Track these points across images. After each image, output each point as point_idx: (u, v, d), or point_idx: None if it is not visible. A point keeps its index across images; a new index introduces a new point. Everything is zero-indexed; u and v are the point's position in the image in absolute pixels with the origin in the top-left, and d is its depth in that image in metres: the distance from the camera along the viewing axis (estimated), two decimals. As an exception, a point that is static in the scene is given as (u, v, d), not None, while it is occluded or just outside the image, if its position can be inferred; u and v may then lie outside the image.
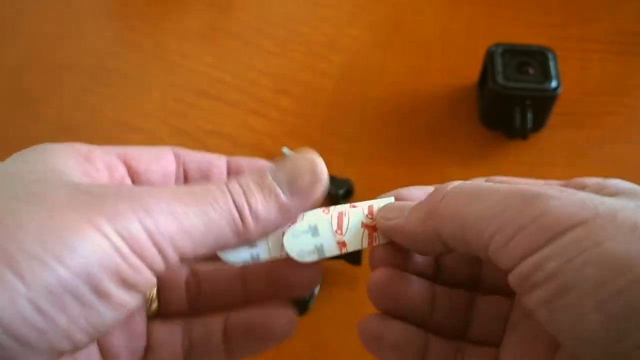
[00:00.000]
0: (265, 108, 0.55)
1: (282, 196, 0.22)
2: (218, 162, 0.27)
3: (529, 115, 0.49)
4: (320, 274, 0.26)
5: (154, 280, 0.20)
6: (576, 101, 0.54)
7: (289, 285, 0.26)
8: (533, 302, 0.19)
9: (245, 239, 0.22)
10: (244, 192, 0.22)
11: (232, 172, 0.27)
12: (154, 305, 0.26)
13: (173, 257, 0.20)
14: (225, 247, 0.22)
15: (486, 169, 0.50)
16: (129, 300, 0.19)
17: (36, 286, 0.17)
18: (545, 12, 0.62)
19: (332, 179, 0.48)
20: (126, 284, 0.19)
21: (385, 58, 0.59)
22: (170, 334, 0.26)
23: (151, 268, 0.19)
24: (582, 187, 0.22)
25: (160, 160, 0.25)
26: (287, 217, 0.23)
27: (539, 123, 0.51)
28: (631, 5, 0.62)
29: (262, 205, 0.22)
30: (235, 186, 0.22)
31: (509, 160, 0.51)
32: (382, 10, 0.64)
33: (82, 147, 0.23)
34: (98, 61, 0.60)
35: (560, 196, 0.19)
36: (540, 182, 0.25)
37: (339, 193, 0.47)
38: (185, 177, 0.26)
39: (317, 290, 0.43)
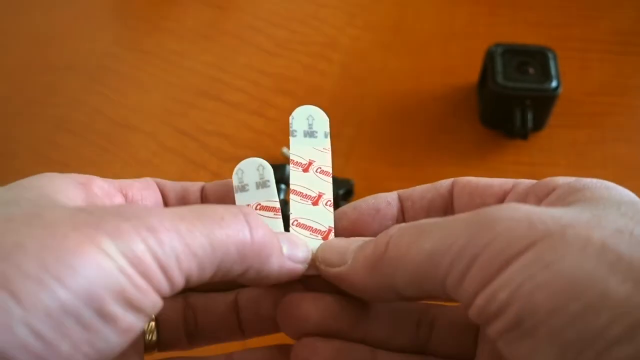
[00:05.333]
0: (265, 108, 0.55)
1: (284, 249, 0.22)
2: (194, 189, 0.26)
3: (529, 115, 0.49)
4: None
5: (160, 302, 0.19)
6: (576, 101, 0.54)
7: (275, 322, 0.25)
8: (492, 334, 0.18)
9: (249, 263, 0.21)
10: (260, 219, 0.21)
11: (203, 200, 0.26)
12: (153, 337, 0.25)
13: (178, 278, 0.19)
14: (228, 272, 0.20)
15: (486, 169, 0.50)
16: (135, 323, 0.18)
17: (34, 309, 0.15)
18: (545, 12, 0.62)
19: (333, 179, 0.48)
20: (132, 306, 0.17)
21: (385, 58, 0.59)
22: None
23: (157, 289, 0.18)
24: (551, 190, 0.21)
25: (150, 188, 0.25)
26: (278, 272, 0.22)
27: (539, 123, 0.51)
28: (631, 5, 0.62)
29: (270, 240, 0.21)
30: (250, 210, 0.22)
31: (509, 160, 0.51)
32: (382, 10, 0.64)
33: (80, 177, 0.22)
34: (98, 61, 0.60)
35: (508, 217, 0.18)
36: (510, 181, 0.23)
37: (339, 193, 0.47)
38: (165, 205, 0.26)
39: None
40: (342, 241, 0.24)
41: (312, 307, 0.23)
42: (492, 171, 0.50)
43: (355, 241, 0.23)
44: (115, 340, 0.17)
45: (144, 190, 0.25)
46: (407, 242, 0.20)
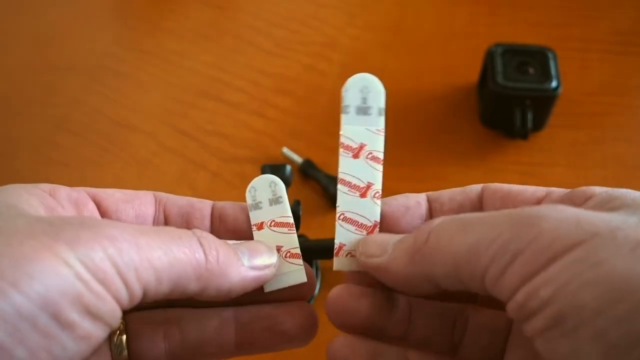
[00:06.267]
0: (265, 108, 0.55)
1: (243, 261, 0.23)
2: (200, 206, 0.26)
3: (529, 115, 0.49)
4: (316, 320, 0.25)
5: (119, 312, 0.19)
6: (576, 101, 0.54)
7: (285, 334, 0.24)
8: (530, 331, 0.18)
9: (205, 283, 0.21)
10: (213, 240, 0.22)
11: (215, 218, 0.26)
12: (123, 352, 0.23)
13: (137, 288, 0.19)
14: (185, 290, 0.21)
15: (486, 169, 0.50)
16: (94, 331, 0.18)
17: None
18: (545, 12, 0.62)
19: (333, 179, 0.48)
20: (90, 313, 0.18)
21: (385, 58, 0.59)
22: None
23: (115, 297, 0.18)
24: (588, 197, 0.21)
25: (134, 201, 0.25)
26: (242, 284, 0.22)
27: (539, 123, 0.51)
28: (631, 5, 0.62)
29: (226, 258, 0.22)
30: (203, 232, 0.22)
31: (509, 160, 0.51)
32: (382, 10, 0.64)
33: (46, 185, 0.22)
34: (98, 61, 0.60)
35: (555, 216, 0.18)
36: (542, 189, 0.23)
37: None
38: (166, 222, 0.25)
39: (317, 290, 0.43)
40: (384, 235, 0.24)
41: (364, 302, 0.24)
42: (492, 171, 0.50)
43: (397, 236, 0.23)
44: (72, 348, 0.17)
45: (124, 203, 0.24)
46: (449, 234, 0.20)
